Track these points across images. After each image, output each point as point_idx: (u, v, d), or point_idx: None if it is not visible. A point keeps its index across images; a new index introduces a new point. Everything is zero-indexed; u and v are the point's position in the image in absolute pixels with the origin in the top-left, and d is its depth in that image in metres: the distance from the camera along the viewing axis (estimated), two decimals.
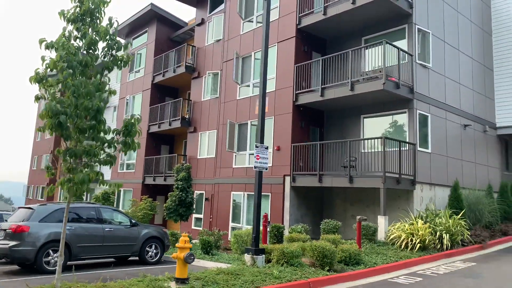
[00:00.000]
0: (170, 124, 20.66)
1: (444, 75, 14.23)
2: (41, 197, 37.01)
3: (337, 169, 13.08)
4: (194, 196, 17.12)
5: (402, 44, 13.15)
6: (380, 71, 12.10)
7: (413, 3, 12.96)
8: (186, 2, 21.54)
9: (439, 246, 10.86)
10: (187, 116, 20.40)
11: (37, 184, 38.91)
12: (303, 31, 14.88)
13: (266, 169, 9.24)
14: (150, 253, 11.30)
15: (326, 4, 13.88)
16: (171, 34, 23.96)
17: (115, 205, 22.30)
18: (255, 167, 9.04)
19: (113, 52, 5.80)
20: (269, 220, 11.89)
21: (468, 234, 11.60)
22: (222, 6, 19.52)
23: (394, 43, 12.51)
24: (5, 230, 9.50)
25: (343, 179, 12.49)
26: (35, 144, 41.66)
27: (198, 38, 20.85)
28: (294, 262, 8.39)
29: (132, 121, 5.58)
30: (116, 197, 23.06)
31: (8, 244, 9.09)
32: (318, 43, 15.49)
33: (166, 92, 23.40)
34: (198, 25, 20.91)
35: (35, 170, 40.44)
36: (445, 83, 14.28)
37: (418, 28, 13.09)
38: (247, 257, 8.76)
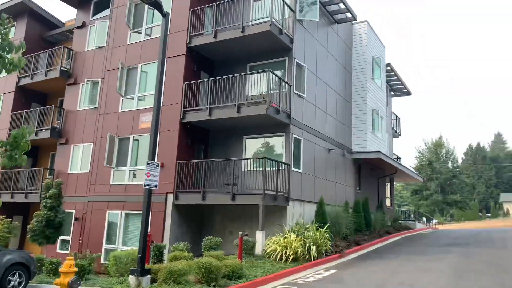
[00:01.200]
0: (36, 134, 18.45)
1: (315, 105, 16.19)
2: None
3: (220, 187, 13.58)
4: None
5: (282, 74, 14.60)
6: (263, 97, 13.19)
7: (294, 39, 14.56)
8: (67, 2, 19.83)
9: (307, 256, 12.09)
10: (58, 126, 18.60)
11: None
12: (193, 50, 15.22)
13: (157, 187, 9.16)
14: (12, 282, 9.92)
15: (217, 28, 14.54)
16: (44, 33, 21.68)
17: None
18: (145, 185, 8.89)
19: (4, 53, 5.21)
20: (152, 239, 11.65)
21: (330, 245, 13.24)
22: (107, 12, 18.60)
23: (276, 72, 13.81)
24: None
25: (225, 197, 13.04)
26: None
27: (77, 42, 19.38)
28: (181, 280, 8.44)
29: (22, 133, 5.08)
30: None
31: None
32: (207, 63, 16.03)
33: (33, 97, 20.93)
34: (79, 27, 19.48)
35: None
36: (315, 111, 16.25)
37: (296, 62, 14.71)
38: (132, 279, 8.48)
